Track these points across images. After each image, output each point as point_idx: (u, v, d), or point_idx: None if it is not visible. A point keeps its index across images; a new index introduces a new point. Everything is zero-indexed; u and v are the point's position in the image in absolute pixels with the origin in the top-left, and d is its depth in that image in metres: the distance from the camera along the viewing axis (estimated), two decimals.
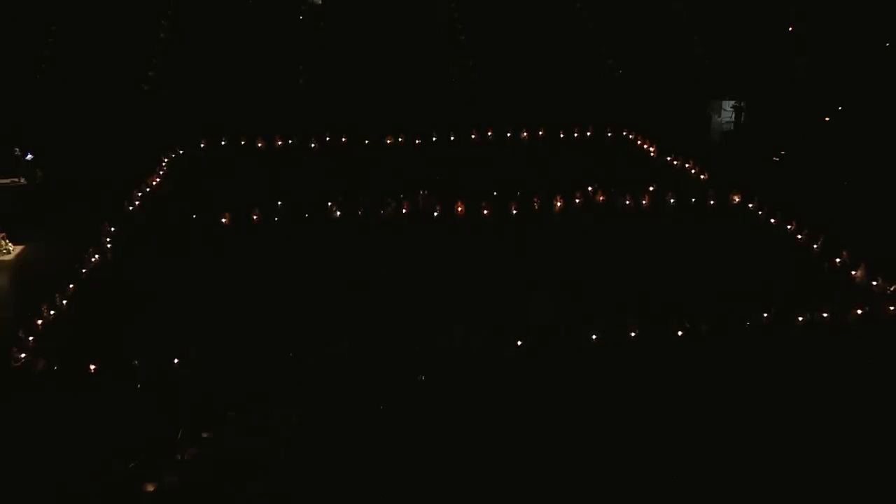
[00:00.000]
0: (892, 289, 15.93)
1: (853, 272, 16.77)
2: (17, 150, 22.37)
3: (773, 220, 19.55)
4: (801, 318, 14.83)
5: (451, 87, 29.05)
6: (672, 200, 21.10)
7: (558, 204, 20.76)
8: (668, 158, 24.57)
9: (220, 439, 11.52)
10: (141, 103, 27.42)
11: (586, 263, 17.54)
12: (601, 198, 21.13)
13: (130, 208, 20.88)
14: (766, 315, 14.79)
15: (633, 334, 14.34)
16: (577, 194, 21.08)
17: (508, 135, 26.64)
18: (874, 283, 16.20)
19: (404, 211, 20.55)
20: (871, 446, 11.50)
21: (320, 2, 31.79)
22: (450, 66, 29.78)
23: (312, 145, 25.90)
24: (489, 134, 26.54)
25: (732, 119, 28.65)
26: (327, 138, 26.18)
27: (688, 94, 29.13)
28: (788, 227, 19.00)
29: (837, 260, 17.23)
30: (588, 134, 26.84)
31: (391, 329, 14.66)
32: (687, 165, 23.83)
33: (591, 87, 28.83)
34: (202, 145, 25.72)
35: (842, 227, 18.38)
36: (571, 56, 29.82)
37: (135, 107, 27.19)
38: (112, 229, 19.14)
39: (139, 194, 21.65)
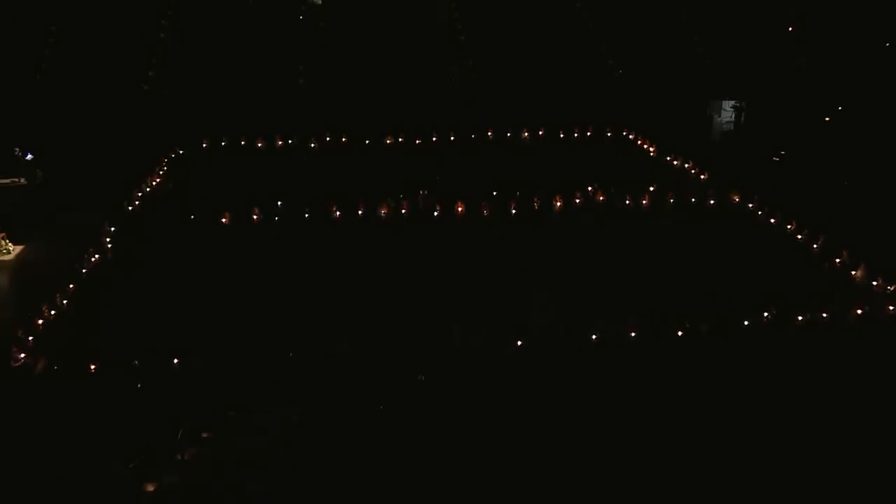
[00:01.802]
0: (891, 289, 15.93)
1: (853, 272, 16.78)
2: (17, 150, 22.38)
3: (773, 220, 19.55)
4: (801, 318, 14.84)
5: (451, 87, 29.03)
6: (672, 200, 21.11)
7: (558, 204, 20.76)
8: (668, 158, 24.57)
9: (220, 439, 11.53)
10: (141, 103, 27.41)
11: (586, 263, 17.54)
12: (601, 198, 21.14)
13: (130, 208, 20.89)
14: (766, 315, 14.80)
15: (633, 334, 14.35)
16: (577, 194, 21.08)
17: (508, 135, 26.63)
18: (874, 283, 16.21)
19: (404, 211, 20.56)
20: (871, 446, 11.50)
21: (320, 2, 31.79)
22: (450, 66, 29.76)
23: (312, 145, 25.90)
24: (489, 134, 26.54)
25: (732, 119, 28.64)
26: (327, 138, 26.18)
27: (688, 94, 29.11)
28: (788, 227, 19.01)
29: (837, 260, 17.23)
30: (588, 134, 26.82)
31: (391, 329, 14.66)
32: (687, 165, 23.84)
33: (591, 87, 28.81)
34: (203, 145, 25.73)
35: (842, 227, 18.38)
36: (571, 56, 29.81)
37: (135, 107, 27.17)
38: (112, 229, 19.15)
39: (139, 194, 21.67)
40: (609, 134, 26.87)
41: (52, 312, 15.30)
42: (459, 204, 20.52)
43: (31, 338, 14.29)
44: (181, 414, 11.84)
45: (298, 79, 28.78)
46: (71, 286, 16.30)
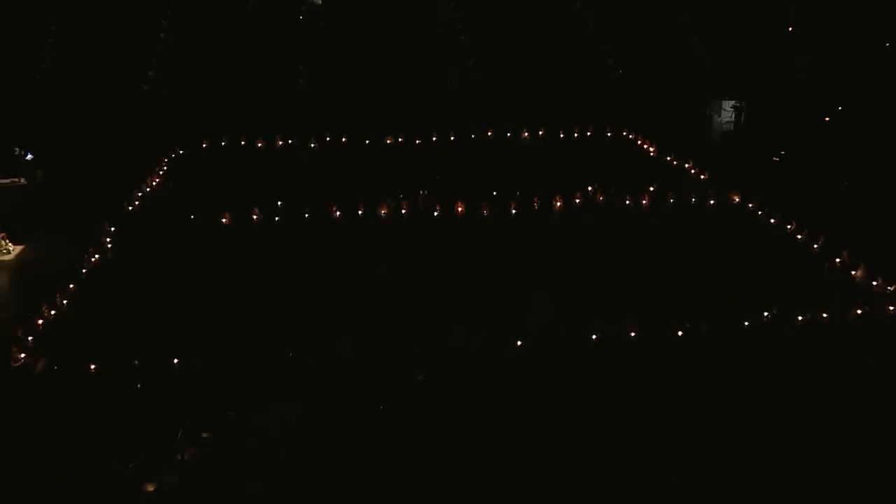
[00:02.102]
0: (891, 289, 15.93)
1: (853, 272, 16.78)
2: (17, 150, 22.37)
3: (773, 220, 19.55)
4: (801, 318, 14.84)
5: (451, 87, 29.03)
6: (672, 200, 21.11)
7: (558, 204, 20.76)
8: (668, 158, 24.56)
9: (220, 439, 11.52)
10: (141, 103, 27.41)
11: (586, 263, 17.54)
12: (601, 198, 21.13)
13: (130, 208, 20.89)
14: (766, 315, 14.80)
15: (633, 334, 14.34)
16: (577, 194, 21.08)
17: (508, 135, 26.62)
18: (874, 283, 16.20)
19: (404, 211, 20.56)
20: (871, 446, 11.50)
21: (320, 2, 31.79)
22: (450, 66, 29.76)
23: (312, 145, 25.90)
24: (489, 134, 26.54)
25: (732, 119, 28.64)
26: (327, 138, 26.17)
27: (688, 94, 29.10)
28: (788, 227, 19.00)
29: (837, 260, 17.23)
30: (588, 134, 26.81)
31: (391, 329, 14.66)
32: (687, 165, 23.83)
33: (591, 87, 28.80)
34: (203, 145, 25.72)
35: (842, 227, 18.37)
36: (571, 56, 29.80)
37: (135, 107, 27.17)
38: (112, 229, 19.15)
39: (139, 194, 21.67)
40: (609, 134, 26.85)
41: (52, 312, 15.29)
42: (459, 204, 20.51)
43: (31, 338, 14.28)
44: (181, 414, 11.84)
45: (298, 79, 28.77)
46: (71, 286, 16.30)
